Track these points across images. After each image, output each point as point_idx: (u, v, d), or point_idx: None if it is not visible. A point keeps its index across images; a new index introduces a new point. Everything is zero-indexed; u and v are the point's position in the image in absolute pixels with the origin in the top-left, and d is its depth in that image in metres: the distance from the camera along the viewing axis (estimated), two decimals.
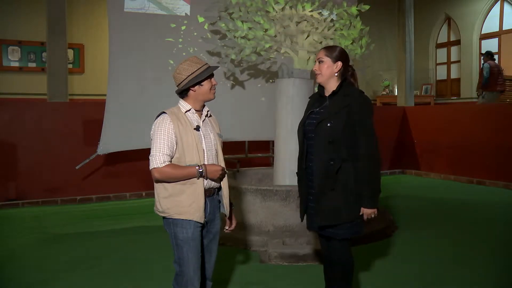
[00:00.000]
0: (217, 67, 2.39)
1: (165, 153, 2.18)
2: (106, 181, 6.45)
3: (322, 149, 2.35)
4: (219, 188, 2.40)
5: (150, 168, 2.18)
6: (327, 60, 2.43)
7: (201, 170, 2.20)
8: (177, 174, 2.19)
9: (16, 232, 4.79)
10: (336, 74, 2.44)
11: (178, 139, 2.22)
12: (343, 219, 2.36)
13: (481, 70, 8.99)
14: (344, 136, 2.33)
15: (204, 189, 2.27)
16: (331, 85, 2.45)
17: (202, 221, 2.26)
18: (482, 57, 9.38)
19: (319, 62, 2.46)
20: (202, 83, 2.28)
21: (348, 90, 2.43)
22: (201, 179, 2.24)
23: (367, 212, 2.38)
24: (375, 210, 2.40)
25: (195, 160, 2.23)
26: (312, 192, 2.44)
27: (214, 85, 2.34)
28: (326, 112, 2.39)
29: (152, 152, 2.19)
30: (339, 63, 2.44)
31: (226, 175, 2.37)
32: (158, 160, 2.17)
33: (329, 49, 2.48)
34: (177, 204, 2.23)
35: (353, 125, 2.34)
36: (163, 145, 2.18)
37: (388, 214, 5.00)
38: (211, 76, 2.31)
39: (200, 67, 2.28)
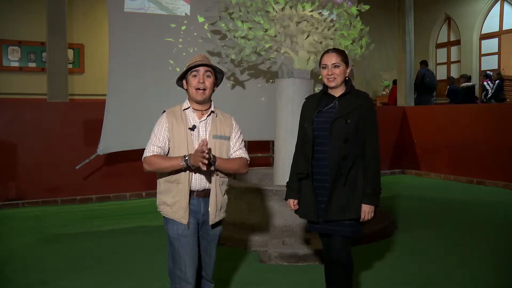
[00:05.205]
0: (204, 64, 2.24)
1: (154, 144, 2.21)
2: (106, 181, 6.45)
3: (336, 147, 2.40)
4: None
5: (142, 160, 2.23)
6: (342, 65, 2.49)
7: (187, 158, 2.12)
8: (162, 163, 2.18)
9: (16, 232, 4.80)
10: (347, 78, 2.54)
11: (171, 137, 2.22)
12: (352, 215, 2.41)
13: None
14: (356, 135, 2.41)
15: (195, 190, 2.24)
16: (340, 87, 2.51)
17: (184, 222, 2.22)
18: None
19: (335, 66, 2.47)
20: (188, 80, 2.27)
21: (357, 92, 2.53)
22: (186, 179, 2.20)
23: (365, 209, 2.42)
24: (373, 208, 2.44)
25: None
26: (322, 192, 2.45)
27: (201, 82, 2.22)
28: (339, 111, 2.44)
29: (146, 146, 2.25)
30: (349, 67, 2.54)
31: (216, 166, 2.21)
32: (147, 150, 2.22)
33: (341, 54, 2.51)
34: (163, 202, 2.27)
35: (362, 125, 2.43)
36: (154, 138, 2.23)
37: (388, 214, 5.00)
38: (194, 72, 2.22)
39: (189, 64, 2.25)
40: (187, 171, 2.20)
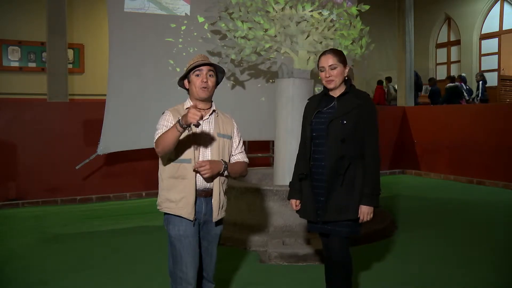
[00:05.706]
0: (207, 63, 2.27)
1: (161, 130, 2.20)
2: (106, 181, 6.46)
3: (334, 147, 2.40)
4: None
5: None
6: (340, 66, 2.48)
7: (179, 119, 2.07)
8: (165, 137, 2.11)
9: (16, 232, 4.80)
10: (346, 78, 2.53)
11: None
12: (350, 215, 2.41)
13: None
14: (354, 135, 2.41)
15: (199, 188, 2.25)
16: (340, 87, 2.51)
17: (191, 218, 2.22)
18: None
19: (332, 68, 2.46)
20: (190, 79, 2.27)
21: (357, 91, 2.52)
22: (193, 174, 2.21)
23: (364, 210, 2.41)
24: (372, 209, 2.43)
25: (189, 155, 2.22)
26: (320, 192, 2.45)
27: (204, 81, 2.24)
28: (337, 111, 2.44)
29: None
30: (347, 67, 2.52)
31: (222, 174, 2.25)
32: (155, 137, 2.20)
33: (337, 54, 2.50)
34: (168, 198, 2.25)
35: (362, 125, 2.42)
36: (162, 127, 2.22)
37: (388, 214, 5.00)
38: (197, 71, 2.24)
39: (192, 63, 2.25)
40: (192, 168, 2.21)
